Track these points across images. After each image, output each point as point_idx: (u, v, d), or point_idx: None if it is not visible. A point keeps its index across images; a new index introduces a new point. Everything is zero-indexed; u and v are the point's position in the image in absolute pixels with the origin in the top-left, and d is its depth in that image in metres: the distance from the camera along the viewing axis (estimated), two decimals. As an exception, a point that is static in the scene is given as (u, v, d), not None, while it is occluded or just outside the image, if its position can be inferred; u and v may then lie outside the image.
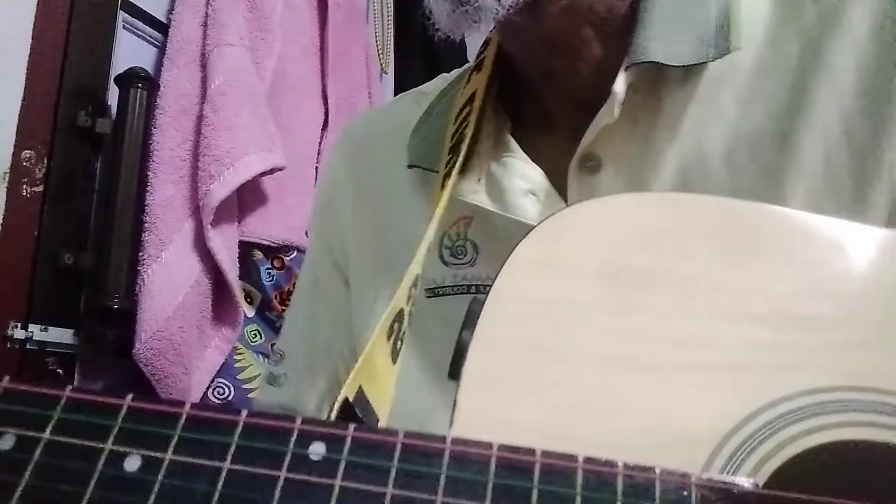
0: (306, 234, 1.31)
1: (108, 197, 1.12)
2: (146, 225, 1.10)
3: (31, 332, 1.02)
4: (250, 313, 1.25)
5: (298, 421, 0.23)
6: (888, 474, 0.26)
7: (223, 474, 0.22)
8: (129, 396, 0.22)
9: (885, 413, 0.26)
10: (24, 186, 1.04)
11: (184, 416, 0.22)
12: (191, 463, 0.22)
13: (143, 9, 1.24)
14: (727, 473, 0.25)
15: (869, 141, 0.39)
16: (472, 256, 0.47)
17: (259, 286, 1.26)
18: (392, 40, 1.65)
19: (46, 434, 0.22)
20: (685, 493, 0.23)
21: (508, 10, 0.40)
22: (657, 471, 0.23)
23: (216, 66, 1.17)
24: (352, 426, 0.24)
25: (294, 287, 1.28)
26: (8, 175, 1.02)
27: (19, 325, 1.02)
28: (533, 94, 0.48)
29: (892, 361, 0.28)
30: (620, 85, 0.41)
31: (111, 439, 0.22)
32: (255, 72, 1.23)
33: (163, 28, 1.25)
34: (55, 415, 0.22)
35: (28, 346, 1.03)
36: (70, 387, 0.22)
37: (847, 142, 0.39)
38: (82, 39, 1.12)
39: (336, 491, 0.22)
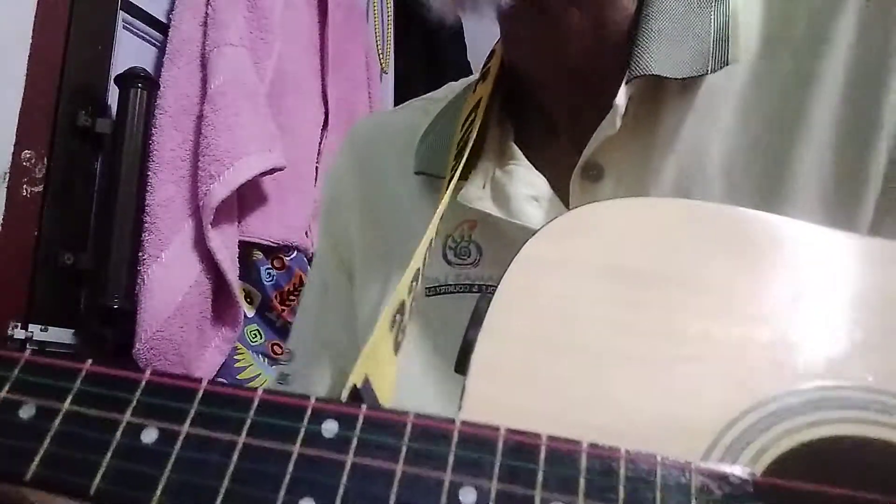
0: (306, 234, 1.31)
1: (108, 197, 1.12)
2: (146, 225, 1.10)
3: (31, 332, 1.02)
4: (250, 313, 1.25)
5: (312, 399, 0.23)
6: (882, 469, 0.26)
7: (238, 448, 0.22)
8: (148, 371, 0.23)
9: (881, 410, 0.27)
10: (24, 186, 1.04)
11: (201, 391, 0.22)
12: (206, 436, 0.22)
13: (143, 9, 1.24)
14: (725, 463, 0.26)
15: (857, 153, 0.40)
16: (476, 257, 0.47)
17: (259, 286, 1.26)
18: (392, 40, 1.65)
19: (66, 405, 0.22)
20: (685, 479, 0.23)
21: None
22: (658, 458, 0.24)
23: (216, 66, 1.17)
24: (364, 406, 0.24)
25: (294, 287, 1.29)
26: (8, 175, 1.02)
27: (19, 325, 1.02)
28: (536, 104, 0.49)
29: (887, 362, 0.28)
30: (622, 98, 0.41)
31: (129, 411, 0.22)
32: (255, 72, 1.23)
33: (163, 28, 1.25)
34: (75, 387, 0.22)
35: (28, 346, 1.03)
36: (90, 360, 0.22)
37: (838, 154, 0.40)
38: (82, 39, 1.13)
39: (347, 467, 0.23)
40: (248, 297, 1.26)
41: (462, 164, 0.45)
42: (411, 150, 0.52)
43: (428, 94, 0.59)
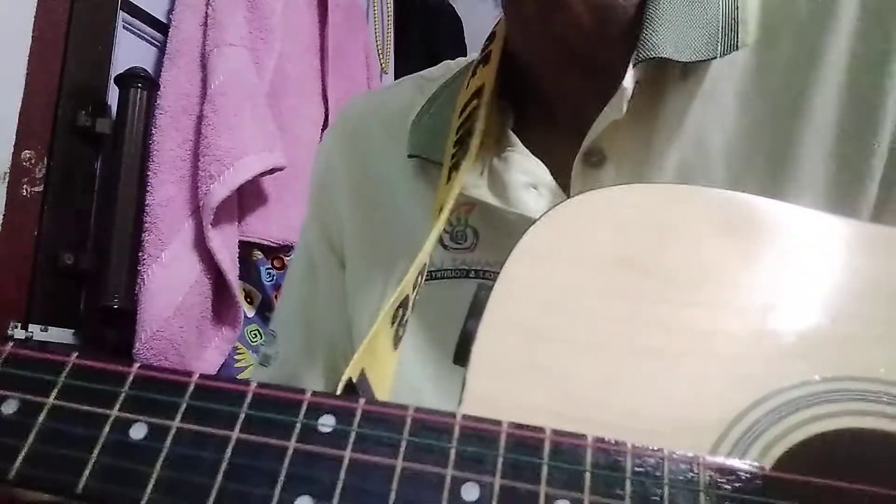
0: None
1: (108, 197, 1.12)
2: (146, 225, 1.10)
3: (31, 332, 1.02)
4: (250, 313, 1.25)
5: (308, 393, 0.23)
6: (891, 462, 0.26)
7: (232, 443, 0.21)
8: (137, 364, 0.22)
9: (890, 403, 0.26)
10: (24, 186, 1.04)
11: (192, 385, 0.21)
12: (199, 431, 0.21)
13: (143, 9, 1.24)
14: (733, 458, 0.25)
15: (860, 139, 0.39)
16: (473, 242, 0.47)
17: (259, 286, 1.26)
18: (392, 40, 1.65)
19: (51, 399, 0.21)
20: (693, 474, 0.23)
21: None
22: (666, 452, 0.23)
23: (216, 66, 1.17)
24: (362, 399, 0.24)
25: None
26: (8, 175, 1.02)
27: (19, 325, 1.01)
28: (537, 90, 0.48)
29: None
30: (629, 80, 0.40)
31: (117, 406, 0.21)
32: (255, 72, 1.23)
33: (163, 28, 1.25)
34: (60, 380, 0.21)
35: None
36: (76, 353, 0.22)
37: (841, 140, 0.40)
38: (82, 39, 1.12)
39: (346, 463, 0.22)
40: (248, 297, 1.25)
41: (469, 154, 0.44)
42: (404, 130, 0.51)
43: (423, 72, 0.58)
